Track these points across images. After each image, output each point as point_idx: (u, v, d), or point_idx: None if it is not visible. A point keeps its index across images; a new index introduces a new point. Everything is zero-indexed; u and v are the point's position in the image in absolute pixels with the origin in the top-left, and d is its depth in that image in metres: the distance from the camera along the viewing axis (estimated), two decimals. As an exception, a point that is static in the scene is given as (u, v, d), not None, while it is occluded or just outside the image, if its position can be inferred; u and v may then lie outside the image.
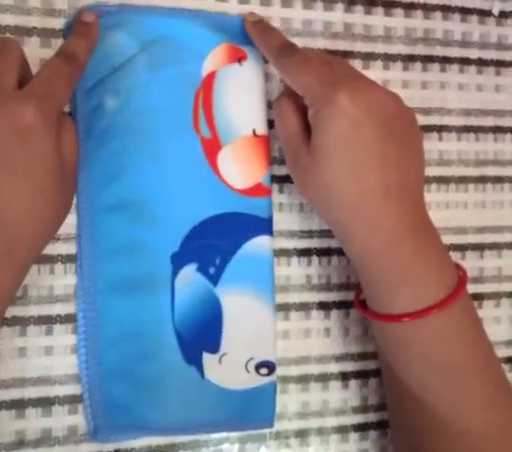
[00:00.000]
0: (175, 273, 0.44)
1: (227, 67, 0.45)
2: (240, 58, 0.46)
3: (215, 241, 0.45)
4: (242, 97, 0.46)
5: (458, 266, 0.42)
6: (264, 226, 0.46)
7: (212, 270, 0.45)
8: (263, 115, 0.46)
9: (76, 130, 0.40)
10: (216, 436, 0.46)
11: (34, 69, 0.42)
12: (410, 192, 0.40)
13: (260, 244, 0.45)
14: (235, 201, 0.45)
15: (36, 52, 0.42)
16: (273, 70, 0.47)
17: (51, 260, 0.43)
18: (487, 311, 0.53)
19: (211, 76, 0.45)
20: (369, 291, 0.42)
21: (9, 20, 0.42)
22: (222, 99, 0.45)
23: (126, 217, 0.43)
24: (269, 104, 0.47)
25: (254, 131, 0.46)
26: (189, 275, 0.44)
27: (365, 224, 0.40)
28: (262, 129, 0.46)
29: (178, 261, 0.44)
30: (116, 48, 0.43)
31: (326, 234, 0.48)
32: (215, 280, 0.45)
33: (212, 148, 0.45)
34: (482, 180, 0.53)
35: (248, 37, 0.45)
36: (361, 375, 0.49)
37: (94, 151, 0.43)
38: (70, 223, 0.43)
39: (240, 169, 0.45)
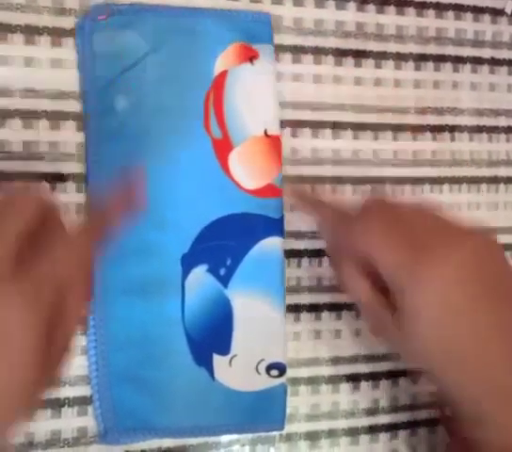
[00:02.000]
0: (185, 274, 0.44)
1: (238, 66, 0.45)
2: (252, 58, 0.45)
3: (225, 242, 0.44)
4: (253, 97, 0.45)
5: None
6: (275, 227, 0.46)
7: (222, 271, 0.44)
8: (274, 115, 0.46)
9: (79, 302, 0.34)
10: (225, 438, 0.45)
11: (46, 68, 0.42)
12: None
13: (271, 245, 0.45)
14: (246, 201, 0.45)
15: (47, 52, 0.42)
16: (285, 69, 0.47)
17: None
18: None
19: (222, 76, 0.45)
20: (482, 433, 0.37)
21: (20, 19, 0.42)
22: (233, 99, 0.45)
23: (136, 219, 0.43)
24: (281, 105, 0.46)
25: (265, 131, 0.45)
26: (200, 276, 0.44)
27: (489, 382, 0.35)
28: (273, 129, 0.45)
29: (188, 262, 0.44)
30: (126, 48, 0.43)
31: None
32: (225, 281, 0.44)
33: (223, 148, 0.45)
34: (494, 180, 0.52)
35: (261, 34, 0.45)
36: (372, 377, 0.49)
37: (105, 151, 0.43)
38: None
39: (251, 169, 0.45)
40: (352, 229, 0.37)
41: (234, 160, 0.45)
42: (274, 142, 0.46)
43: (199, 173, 0.44)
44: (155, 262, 0.43)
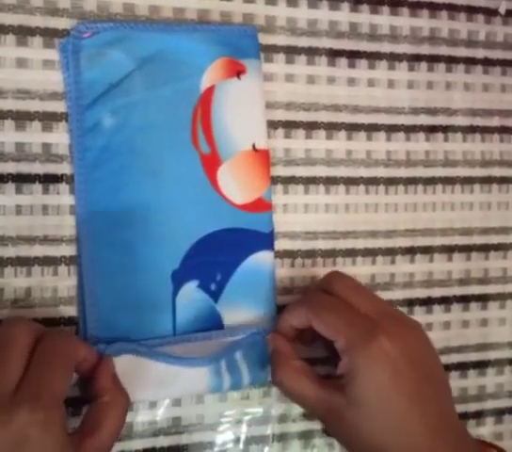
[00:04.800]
0: (176, 291, 0.44)
1: (225, 81, 0.45)
2: (239, 72, 0.45)
3: (215, 257, 0.45)
4: (241, 112, 0.45)
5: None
6: (265, 241, 0.46)
7: (213, 287, 0.44)
8: (262, 129, 0.46)
9: (123, 404, 0.39)
10: (220, 438, 0.46)
11: (38, 69, 0.42)
12: (450, 422, 0.40)
13: (261, 259, 0.45)
14: (236, 216, 0.45)
15: (39, 52, 0.42)
16: (278, 69, 0.47)
17: (54, 262, 0.43)
18: (491, 312, 0.53)
19: (209, 91, 0.45)
20: None
21: (12, 19, 0.42)
22: (221, 114, 0.45)
23: (126, 236, 0.43)
24: (274, 105, 0.47)
25: (254, 146, 0.45)
26: (190, 292, 0.44)
27: None
28: (261, 144, 0.45)
29: (179, 278, 0.44)
30: (112, 65, 0.43)
31: (330, 235, 0.48)
32: (216, 296, 0.44)
33: (211, 164, 0.45)
34: (488, 181, 0.53)
35: (248, 50, 0.45)
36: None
37: (93, 169, 0.42)
38: (73, 225, 0.43)
39: (240, 184, 0.45)
40: (317, 308, 0.42)
41: (223, 175, 0.45)
42: (262, 156, 0.46)
43: (187, 189, 0.44)
44: (146, 278, 0.43)
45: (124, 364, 0.41)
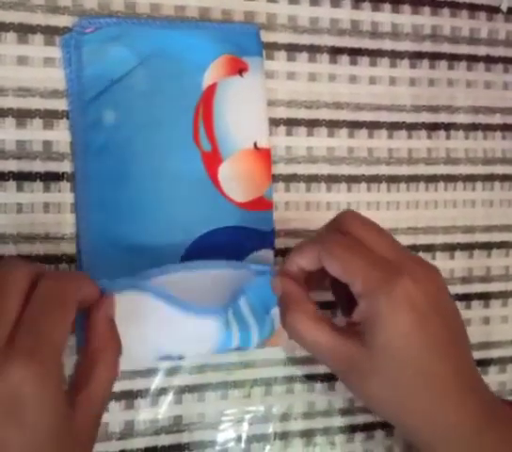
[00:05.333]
0: None
1: (228, 79, 0.45)
2: (241, 70, 0.45)
3: (215, 255, 0.44)
4: (243, 110, 0.45)
5: None
6: (266, 240, 0.46)
7: None
8: (264, 127, 0.46)
9: (114, 353, 0.36)
10: (221, 437, 0.46)
11: (39, 67, 0.42)
12: (475, 377, 0.38)
13: (261, 257, 0.45)
14: (236, 214, 0.45)
15: (40, 50, 0.42)
16: (280, 67, 0.47)
17: (55, 260, 0.43)
18: (494, 310, 0.52)
19: (211, 89, 0.45)
20: None
21: (13, 17, 0.42)
22: (223, 112, 0.45)
23: (126, 233, 0.43)
24: (276, 103, 0.47)
25: (255, 144, 0.45)
26: None
27: (446, 428, 0.36)
28: (263, 142, 0.45)
29: None
30: (115, 61, 0.43)
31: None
32: None
33: (212, 162, 0.45)
34: (490, 178, 0.53)
35: (250, 48, 0.45)
36: (368, 375, 0.49)
37: (93, 166, 0.42)
38: (72, 223, 0.43)
39: (241, 182, 0.45)
40: (332, 247, 0.38)
41: (224, 173, 0.45)
42: (264, 155, 0.46)
43: (188, 187, 0.44)
44: None
45: (127, 302, 0.39)
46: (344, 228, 0.39)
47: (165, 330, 0.41)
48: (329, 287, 0.43)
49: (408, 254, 0.38)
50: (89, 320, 0.37)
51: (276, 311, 0.41)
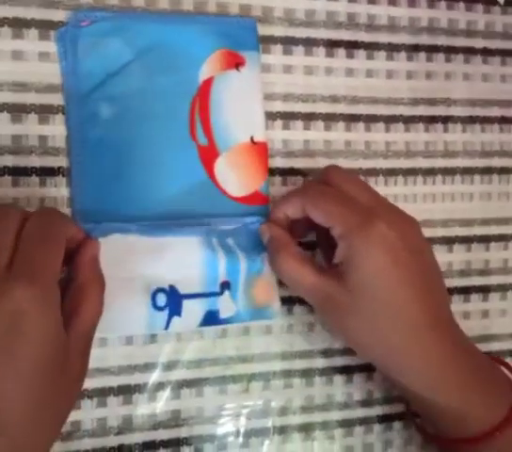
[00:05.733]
0: None
1: (224, 73, 0.45)
2: (238, 64, 0.45)
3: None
4: (239, 104, 0.45)
5: (507, 366, 0.44)
6: None
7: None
8: (260, 122, 0.45)
9: (99, 289, 0.39)
10: (220, 431, 0.45)
11: (34, 62, 0.42)
12: (447, 315, 0.41)
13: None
14: (233, 209, 0.45)
15: (35, 44, 0.42)
16: (276, 60, 0.47)
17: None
18: (492, 303, 0.52)
19: (208, 83, 0.44)
20: (432, 420, 0.42)
21: (8, 12, 0.41)
22: (219, 106, 0.45)
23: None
24: (273, 97, 0.46)
25: (252, 138, 0.45)
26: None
27: (417, 360, 0.39)
28: (260, 136, 0.45)
29: None
30: (111, 55, 0.43)
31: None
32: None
33: (209, 156, 0.44)
34: (488, 171, 0.52)
35: (247, 42, 0.45)
36: (366, 368, 0.49)
37: (89, 160, 0.42)
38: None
39: (237, 176, 0.45)
40: (314, 195, 0.41)
41: (220, 167, 0.45)
42: (260, 149, 0.45)
43: (184, 181, 0.44)
44: None
45: (113, 244, 0.40)
46: (328, 180, 0.42)
47: (151, 263, 0.42)
48: (316, 235, 0.46)
49: (386, 203, 0.42)
50: (75, 258, 0.39)
51: (266, 256, 0.43)
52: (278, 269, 0.42)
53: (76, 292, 0.37)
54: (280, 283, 0.44)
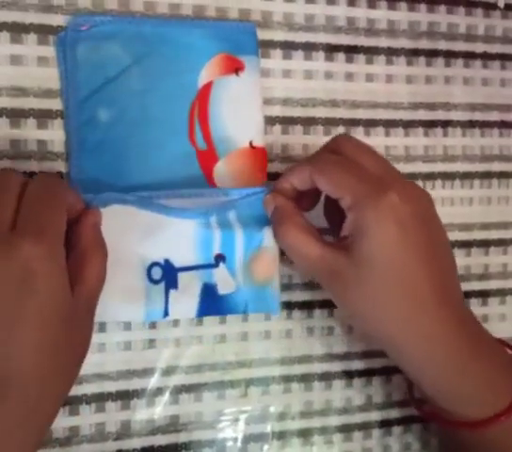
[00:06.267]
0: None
1: (223, 78, 0.45)
2: (237, 69, 0.45)
3: None
4: (239, 108, 0.45)
5: None
6: None
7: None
8: (260, 127, 0.45)
9: (102, 255, 0.38)
10: (218, 436, 0.45)
11: (33, 66, 0.42)
12: (455, 293, 0.39)
13: None
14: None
15: (34, 49, 0.42)
16: (275, 65, 0.47)
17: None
18: (492, 308, 0.52)
19: (207, 87, 0.44)
20: (437, 402, 0.41)
21: (6, 16, 0.41)
22: (219, 110, 0.44)
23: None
24: (272, 101, 0.47)
25: (251, 143, 0.45)
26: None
27: (421, 337, 0.38)
28: (258, 141, 0.45)
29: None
30: (110, 59, 0.43)
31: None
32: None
33: (208, 160, 0.44)
34: (487, 176, 0.52)
35: (247, 46, 0.45)
36: (365, 373, 0.49)
37: (88, 164, 0.42)
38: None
39: (236, 181, 0.45)
40: (324, 164, 0.39)
41: (219, 172, 0.45)
42: (259, 154, 0.45)
43: (183, 185, 0.44)
44: None
45: (112, 215, 0.40)
46: (338, 149, 0.40)
47: (149, 236, 0.41)
48: (324, 208, 0.44)
49: (399, 174, 0.40)
50: (77, 226, 0.38)
51: (268, 230, 0.42)
52: (281, 241, 0.40)
53: (79, 257, 0.37)
54: (283, 289, 0.45)
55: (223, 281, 0.43)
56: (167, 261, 0.42)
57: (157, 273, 0.42)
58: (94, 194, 0.40)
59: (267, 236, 0.42)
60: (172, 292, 0.42)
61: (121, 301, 0.41)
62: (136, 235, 0.41)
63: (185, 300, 0.42)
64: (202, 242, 0.42)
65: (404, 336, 0.38)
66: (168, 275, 0.42)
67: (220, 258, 0.43)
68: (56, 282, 0.33)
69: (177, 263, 0.42)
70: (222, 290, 0.43)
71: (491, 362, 0.40)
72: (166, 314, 0.42)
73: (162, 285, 0.42)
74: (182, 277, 0.42)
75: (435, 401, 0.41)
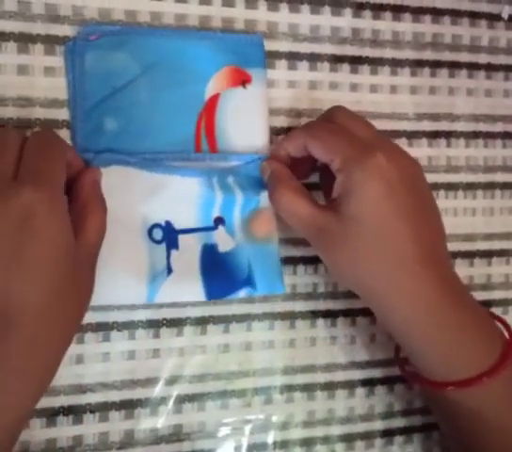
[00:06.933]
0: None
1: (230, 90, 0.45)
2: (244, 81, 0.45)
3: None
4: (245, 120, 0.45)
5: (501, 320, 0.42)
6: None
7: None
8: (265, 139, 0.45)
9: (102, 209, 0.39)
10: (221, 446, 0.45)
11: (40, 76, 0.42)
12: (441, 255, 0.40)
13: None
14: None
15: (40, 59, 0.42)
16: (280, 76, 0.47)
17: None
18: (494, 318, 0.52)
19: (214, 99, 0.45)
20: (419, 361, 0.41)
21: (13, 27, 0.41)
22: (225, 122, 0.45)
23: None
24: (277, 112, 0.47)
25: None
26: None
27: (403, 294, 0.38)
28: (264, 152, 0.45)
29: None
30: (117, 68, 0.43)
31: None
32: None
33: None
34: (490, 186, 0.52)
35: (254, 59, 0.45)
36: (368, 383, 0.49)
37: None
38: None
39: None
40: (314, 129, 0.41)
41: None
42: None
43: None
44: None
45: (112, 176, 0.41)
46: (332, 118, 0.42)
47: (150, 198, 0.42)
48: (319, 176, 0.46)
49: (389, 141, 0.41)
50: (76, 183, 0.39)
51: (264, 194, 0.43)
52: (275, 202, 0.42)
53: (80, 210, 0.38)
54: (287, 299, 0.45)
55: (223, 240, 0.44)
56: (167, 223, 0.43)
57: (158, 234, 0.43)
58: (95, 154, 0.41)
59: (264, 199, 0.44)
60: (173, 252, 0.43)
61: (124, 267, 0.41)
62: (137, 196, 0.42)
63: (187, 259, 0.43)
64: (204, 203, 0.43)
65: (385, 291, 0.39)
66: (168, 236, 0.43)
67: (219, 221, 0.44)
68: (58, 223, 0.34)
69: (177, 225, 0.43)
70: (223, 248, 0.43)
71: (474, 322, 0.40)
72: (169, 271, 0.42)
73: (163, 245, 0.42)
74: (182, 239, 0.43)
75: (418, 362, 0.41)
